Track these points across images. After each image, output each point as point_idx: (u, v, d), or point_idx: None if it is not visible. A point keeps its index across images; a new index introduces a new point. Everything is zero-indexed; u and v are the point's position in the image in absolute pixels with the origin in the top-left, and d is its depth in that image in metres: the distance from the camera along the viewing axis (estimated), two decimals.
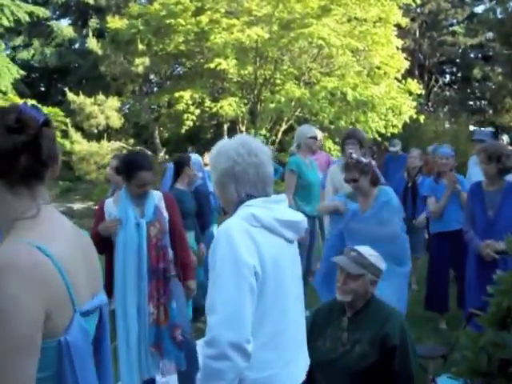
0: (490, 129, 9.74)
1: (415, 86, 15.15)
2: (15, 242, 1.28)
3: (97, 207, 3.82)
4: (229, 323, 1.83)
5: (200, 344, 3.67)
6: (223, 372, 1.82)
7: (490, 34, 22.04)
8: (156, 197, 3.59)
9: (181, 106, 14.27)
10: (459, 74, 25.44)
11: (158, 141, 16.41)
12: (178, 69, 17.51)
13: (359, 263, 2.68)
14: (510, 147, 7.09)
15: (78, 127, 15.92)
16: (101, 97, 15.61)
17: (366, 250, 2.79)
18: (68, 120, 16.05)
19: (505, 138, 8.05)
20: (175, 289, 3.56)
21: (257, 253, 1.92)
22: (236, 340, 1.82)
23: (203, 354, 1.85)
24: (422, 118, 14.82)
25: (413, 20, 21.36)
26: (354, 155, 3.92)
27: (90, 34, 17.20)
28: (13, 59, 19.41)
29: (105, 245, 3.43)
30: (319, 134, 6.90)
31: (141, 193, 3.46)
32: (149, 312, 3.42)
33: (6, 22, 17.68)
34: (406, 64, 15.11)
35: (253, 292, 1.89)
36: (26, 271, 1.22)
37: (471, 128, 16.89)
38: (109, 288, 3.57)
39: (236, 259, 1.87)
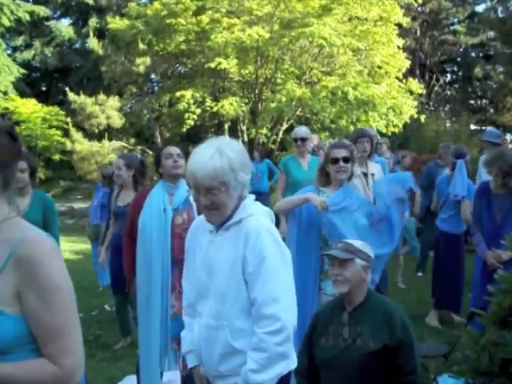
0: (491, 128, 9.68)
1: (416, 85, 15.13)
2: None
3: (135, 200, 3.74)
4: (291, 308, 2.08)
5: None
6: (287, 352, 2.08)
7: (491, 33, 22.00)
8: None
9: (182, 106, 14.25)
10: (460, 74, 25.42)
11: (158, 140, 16.39)
12: (179, 68, 17.48)
13: (347, 250, 2.75)
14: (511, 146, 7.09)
15: (79, 127, 15.94)
16: (102, 96, 15.61)
17: (352, 241, 2.88)
18: (69, 120, 16.08)
19: (508, 136, 8.02)
20: None
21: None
22: (295, 322, 2.08)
23: (269, 342, 2.01)
24: (422, 118, 14.78)
25: (414, 19, 21.33)
26: None
27: (91, 33, 17.19)
28: (14, 59, 19.40)
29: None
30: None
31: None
32: (170, 304, 3.34)
33: (6, 22, 17.67)
34: (407, 63, 15.08)
35: None
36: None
37: (472, 127, 16.85)
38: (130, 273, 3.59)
39: (282, 251, 2.13)
